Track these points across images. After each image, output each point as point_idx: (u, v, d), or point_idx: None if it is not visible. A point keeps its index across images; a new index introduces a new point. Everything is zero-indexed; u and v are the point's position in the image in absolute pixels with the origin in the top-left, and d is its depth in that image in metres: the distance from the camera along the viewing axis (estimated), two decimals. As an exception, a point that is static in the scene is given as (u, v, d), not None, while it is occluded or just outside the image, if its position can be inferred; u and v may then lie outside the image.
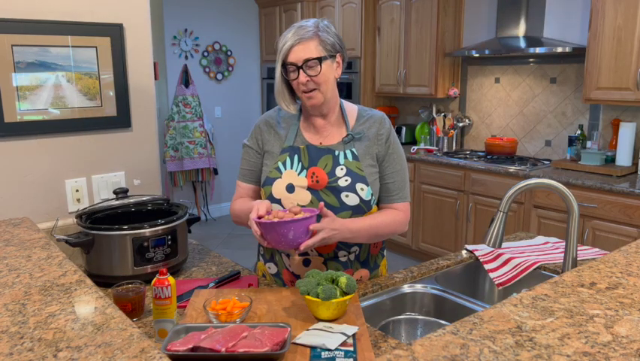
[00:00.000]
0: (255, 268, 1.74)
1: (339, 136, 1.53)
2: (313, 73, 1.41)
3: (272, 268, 1.62)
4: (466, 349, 0.77)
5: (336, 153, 1.50)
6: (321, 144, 1.53)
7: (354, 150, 1.51)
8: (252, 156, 1.59)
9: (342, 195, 1.46)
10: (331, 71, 1.45)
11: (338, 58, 1.47)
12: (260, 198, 1.59)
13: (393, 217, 1.52)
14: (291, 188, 1.48)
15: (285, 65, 1.43)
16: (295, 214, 1.34)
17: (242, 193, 1.61)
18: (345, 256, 1.53)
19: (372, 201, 1.50)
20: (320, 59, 1.41)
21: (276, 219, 1.30)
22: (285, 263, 1.57)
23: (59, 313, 1.01)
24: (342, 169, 1.48)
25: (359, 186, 1.47)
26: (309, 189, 1.47)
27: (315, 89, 1.43)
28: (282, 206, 1.48)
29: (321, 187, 1.47)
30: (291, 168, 1.50)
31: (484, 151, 4.30)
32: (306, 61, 1.40)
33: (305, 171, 1.49)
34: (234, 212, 1.60)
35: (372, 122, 1.55)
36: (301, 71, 1.41)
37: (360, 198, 1.47)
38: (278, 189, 1.49)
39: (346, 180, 1.47)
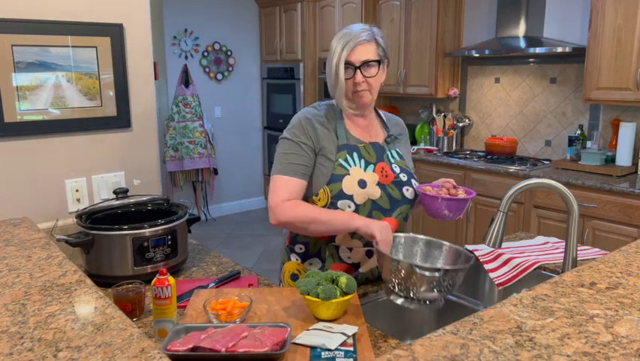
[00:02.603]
0: (280, 270, 1.69)
1: (382, 136, 1.63)
2: (369, 74, 1.48)
3: (313, 265, 1.60)
4: (466, 349, 0.77)
5: (387, 151, 1.60)
6: (373, 142, 1.61)
7: (397, 149, 1.63)
8: (308, 152, 1.52)
9: (404, 190, 1.56)
10: (381, 75, 1.53)
11: (386, 63, 1.54)
12: (302, 195, 1.55)
13: None
14: (363, 183, 1.50)
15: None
16: (448, 189, 1.56)
17: (296, 190, 1.50)
18: None
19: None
20: (378, 62, 1.49)
21: (446, 195, 1.53)
22: (342, 256, 1.56)
23: (59, 313, 1.01)
24: (396, 166, 1.58)
25: (412, 181, 1.60)
26: (378, 184, 1.52)
27: (366, 90, 1.50)
28: (354, 202, 1.49)
29: (389, 182, 1.54)
30: (355, 164, 1.52)
31: (484, 151, 4.29)
32: (365, 62, 1.46)
33: (372, 165, 1.53)
34: (318, 216, 1.45)
35: (400, 127, 1.71)
36: (358, 71, 1.46)
37: (414, 193, 1.59)
38: (349, 184, 1.49)
39: (404, 176, 1.58)
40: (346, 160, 1.52)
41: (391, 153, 1.60)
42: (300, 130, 1.53)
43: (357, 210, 1.51)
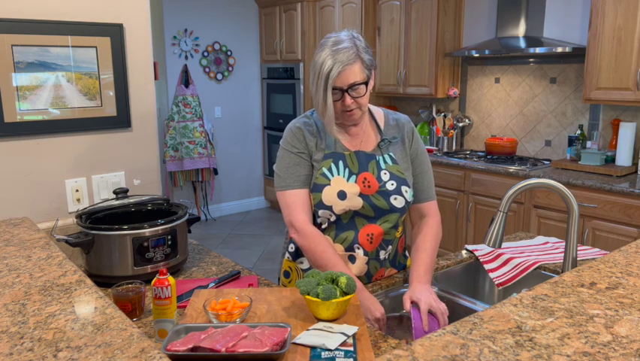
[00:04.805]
0: (280, 266, 1.73)
1: (375, 141, 1.58)
2: (357, 94, 1.45)
3: (304, 264, 1.63)
4: (466, 349, 0.77)
5: (377, 157, 1.55)
6: (359, 150, 1.56)
7: (391, 154, 1.57)
8: (307, 159, 1.54)
9: (391, 199, 1.52)
10: (370, 87, 1.48)
11: (373, 74, 1.49)
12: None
13: (435, 233, 1.60)
14: (342, 195, 1.49)
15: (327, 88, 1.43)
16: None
17: (305, 201, 1.52)
18: (384, 254, 1.59)
19: (411, 202, 1.58)
20: (366, 83, 1.45)
21: None
22: None
23: (59, 313, 1.01)
24: (385, 173, 1.53)
25: (403, 188, 1.54)
26: (360, 195, 1.50)
27: (356, 109, 1.47)
28: (333, 212, 1.49)
29: (372, 192, 1.51)
30: (338, 174, 1.51)
31: (484, 151, 4.29)
32: (352, 85, 1.42)
33: (354, 176, 1.51)
34: (324, 256, 1.45)
35: (401, 125, 1.62)
36: (346, 94, 1.43)
37: (405, 200, 1.53)
38: (328, 195, 1.49)
39: (392, 184, 1.53)
40: (330, 169, 1.51)
41: (383, 158, 1.55)
42: (295, 140, 1.54)
43: (338, 219, 1.51)
